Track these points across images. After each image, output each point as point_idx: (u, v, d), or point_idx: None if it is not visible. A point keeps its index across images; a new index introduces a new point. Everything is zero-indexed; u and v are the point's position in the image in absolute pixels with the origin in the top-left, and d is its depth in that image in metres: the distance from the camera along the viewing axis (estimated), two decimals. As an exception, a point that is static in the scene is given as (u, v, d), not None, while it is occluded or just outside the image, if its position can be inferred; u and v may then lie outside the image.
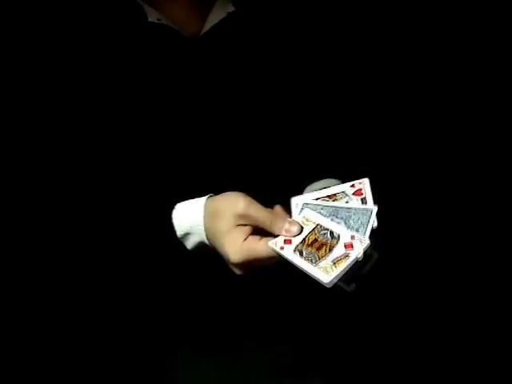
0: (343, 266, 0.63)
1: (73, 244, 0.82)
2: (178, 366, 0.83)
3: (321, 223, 0.68)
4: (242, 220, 0.69)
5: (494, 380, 1.02)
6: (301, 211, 0.71)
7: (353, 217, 0.68)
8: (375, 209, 0.68)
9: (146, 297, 0.86)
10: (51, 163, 0.81)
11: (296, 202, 0.73)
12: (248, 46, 0.84)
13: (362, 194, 0.71)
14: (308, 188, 0.85)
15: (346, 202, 0.70)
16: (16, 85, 0.80)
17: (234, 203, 0.69)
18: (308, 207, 0.71)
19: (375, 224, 0.67)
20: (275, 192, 0.73)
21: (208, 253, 0.73)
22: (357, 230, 0.66)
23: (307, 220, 0.70)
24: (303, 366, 0.81)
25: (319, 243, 0.67)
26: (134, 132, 0.80)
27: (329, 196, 0.72)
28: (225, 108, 0.83)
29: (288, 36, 0.87)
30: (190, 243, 0.75)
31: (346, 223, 0.68)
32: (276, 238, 0.68)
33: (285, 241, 0.67)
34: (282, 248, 0.66)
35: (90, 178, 0.81)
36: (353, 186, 0.72)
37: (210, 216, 0.71)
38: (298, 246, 0.67)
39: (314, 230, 0.68)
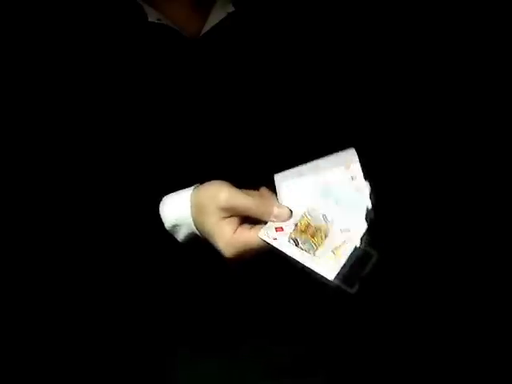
0: (343, 255, 0.60)
1: (65, 242, 0.82)
2: (177, 366, 0.83)
3: (311, 204, 0.65)
4: (227, 212, 0.67)
5: (494, 380, 1.02)
6: (288, 191, 0.67)
7: (345, 196, 0.64)
8: (368, 188, 0.64)
9: (144, 297, 0.86)
10: (43, 155, 0.81)
11: (281, 181, 0.69)
12: (248, 46, 0.84)
13: (351, 171, 0.66)
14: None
15: (336, 182, 0.65)
16: (16, 84, 0.80)
17: (216, 196, 0.68)
18: (295, 186, 0.67)
19: (370, 206, 0.63)
20: (263, 176, 0.71)
21: (200, 243, 0.72)
22: (351, 212, 0.63)
23: (297, 201, 0.66)
24: (302, 366, 0.81)
25: (313, 229, 0.64)
26: (131, 129, 0.80)
27: (315, 173, 0.67)
28: (224, 107, 0.83)
29: (288, 36, 0.87)
30: (180, 235, 0.74)
31: (337, 203, 0.64)
32: (266, 227, 0.65)
33: (276, 229, 0.65)
34: (274, 239, 0.63)
35: (80, 170, 0.81)
36: (342, 163, 0.66)
37: (196, 209, 0.71)
38: (291, 234, 0.64)
39: (305, 213, 0.65)
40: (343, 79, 0.93)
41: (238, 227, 0.67)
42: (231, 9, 0.83)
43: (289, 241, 0.63)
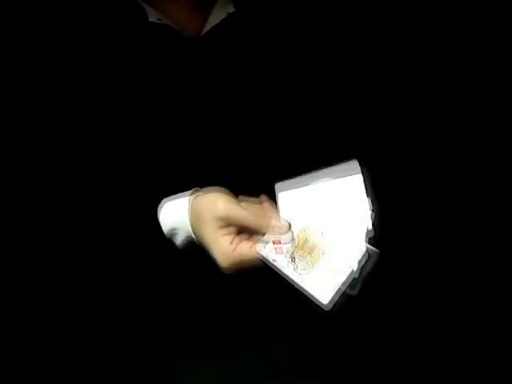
0: (341, 284, 0.59)
1: (64, 244, 0.82)
2: (177, 367, 0.83)
3: (310, 220, 0.64)
4: (224, 222, 0.66)
5: (494, 380, 1.02)
6: (287, 203, 0.67)
7: (345, 211, 0.64)
8: (369, 211, 0.63)
9: (144, 298, 0.86)
10: (43, 156, 0.80)
11: (281, 191, 0.68)
12: (248, 47, 0.84)
13: (354, 185, 0.65)
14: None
15: (337, 197, 0.65)
16: (16, 84, 0.80)
17: (214, 205, 0.67)
18: (295, 198, 0.66)
19: (370, 227, 0.63)
20: (263, 182, 0.71)
21: (198, 249, 0.72)
22: (350, 230, 0.62)
23: (295, 213, 0.65)
24: (303, 367, 0.81)
25: (311, 245, 0.63)
26: (129, 129, 0.80)
27: (317, 185, 0.67)
28: (224, 108, 0.83)
29: (288, 37, 0.87)
30: (178, 240, 0.74)
31: (337, 219, 0.63)
32: (263, 239, 0.64)
33: (274, 242, 0.64)
34: (274, 260, 0.63)
35: (79, 173, 0.80)
36: (344, 176, 0.66)
37: (194, 216, 0.70)
38: (288, 250, 0.63)
39: (303, 228, 0.64)
40: (344, 80, 0.94)
41: (235, 237, 0.66)
42: (232, 9, 0.83)
43: (285, 256, 0.63)
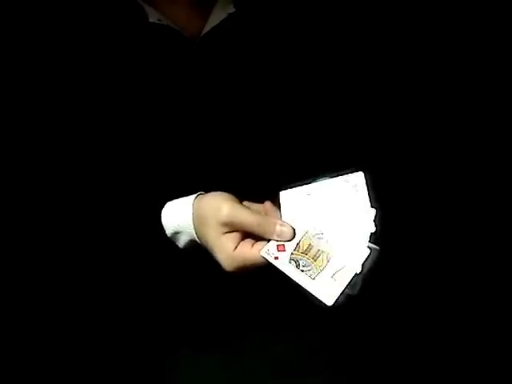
0: (343, 282, 0.60)
1: (66, 243, 0.82)
2: (179, 365, 0.83)
3: (315, 226, 0.65)
4: (228, 227, 0.66)
5: (494, 380, 1.02)
6: (292, 210, 0.67)
7: (348, 219, 0.64)
8: (373, 213, 0.64)
9: (146, 297, 0.86)
10: (46, 160, 0.81)
11: (286, 198, 0.68)
12: (248, 47, 0.84)
13: (358, 195, 0.66)
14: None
15: (340, 203, 0.66)
16: (16, 84, 0.80)
17: (218, 210, 0.67)
18: (299, 206, 0.67)
19: (373, 229, 0.64)
20: (267, 187, 0.71)
21: (201, 251, 0.72)
22: (354, 237, 0.63)
23: (299, 220, 0.66)
24: (303, 366, 0.81)
25: (315, 250, 0.63)
26: (131, 131, 0.80)
27: (321, 193, 0.67)
28: (225, 108, 0.83)
29: (288, 37, 0.87)
30: (180, 242, 0.74)
31: (341, 226, 0.64)
32: (268, 245, 0.64)
33: (278, 246, 0.64)
34: (276, 258, 0.63)
35: (82, 175, 0.80)
36: (348, 182, 0.67)
37: (197, 220, 0.70)
38: (292, 253, 0.63)
39: (307, 233, 0.65)
40: (345, 81, 0.94)
41: (239, 243, 0.66)
42: (232, 9, 0.83)
43: (290, 261, 0.63)
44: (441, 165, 1.18)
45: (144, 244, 0.77)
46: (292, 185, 0.70)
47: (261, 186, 0.73)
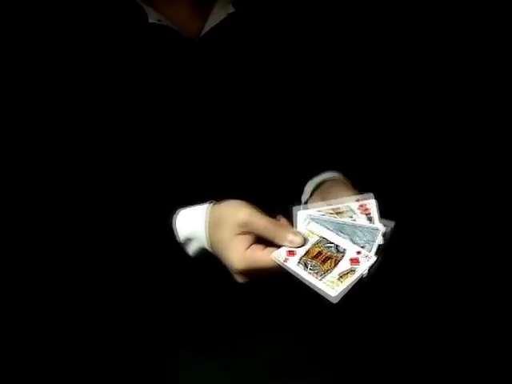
0: (349, 281, 0.62)
1: (75, 247, 0.82)
2: (179, 367, 0.83)
3: (326, 236, 0.67)
4: (244, 229, 0.67)
5: (494, 380, 1.02)
6: (305, 223, 0.70)
7: (358, 233, 0.67)
8: (382, 229, 0.67)
9: (147, 299, 0.86)
10: (54, 167, 0.81)
11: (300, 213, 0.71)
12: (248, 47, 0.84)
13: (368, 212, 0.70)
14: (310, 182, 0.84)
15: (351, 218, 0.69)
16: (17, 86, 0.80)
17: (236, 212, 0.68)
18: (313, 220, 0.70)
19: (381, 242, 0.66)
20: (276, 197, 0.73)
21: (208, 259, 0.73)
22: (362, 247, 0.66)
23: (312, 233, 0.68)
24: (304, 367, 0.81)
25: (324, 256, 0.66)
26: (135, 133, 0.80)
27: (334, 210, 0.71)
28: (225, 109, 0.83)
29: (288, 37, 0.88)
30: (191, 249, 0.75)
31: (351, 239, 0.67)
32: (279, 249, 0.66)
33: (288, 252, 0.66)
34: (285, 260, 0.65)
35: (93, 182, 0.81)
36: (359, 202, 0.71)
37: (213, 224, 0.71)
38: (302, 257, 0.65)
39: (318, 242, 0.67)
40: (345, 81, 0.93)
41: (251, 245, 0.67)
42: (231, 9, 0.83)
43: (299, 262, 0.65)
44: (440, 164, 1.18)
45: (149, 248, 0.78)
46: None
47: (268, 193, 0.75)
